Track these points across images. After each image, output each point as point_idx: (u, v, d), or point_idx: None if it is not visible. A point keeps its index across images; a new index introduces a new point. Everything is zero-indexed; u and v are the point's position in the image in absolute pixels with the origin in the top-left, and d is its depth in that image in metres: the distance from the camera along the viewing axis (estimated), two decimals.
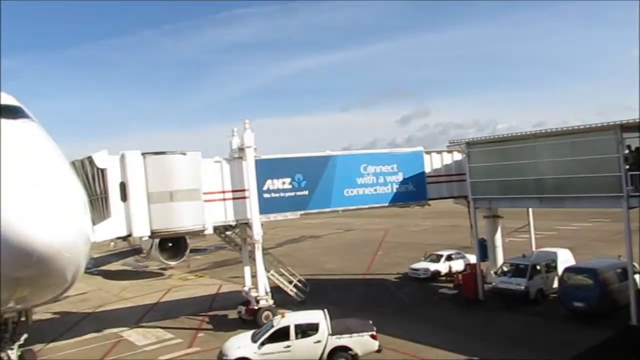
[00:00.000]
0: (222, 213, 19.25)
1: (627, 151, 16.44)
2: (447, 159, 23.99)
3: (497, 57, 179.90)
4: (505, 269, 20.96)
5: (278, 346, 14.27)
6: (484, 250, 22.85)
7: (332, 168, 21.50)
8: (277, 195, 20.41)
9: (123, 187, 16.85)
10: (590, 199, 17.48)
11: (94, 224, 14.68)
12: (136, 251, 33.44)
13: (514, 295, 19.59)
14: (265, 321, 17.64)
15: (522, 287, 19.38)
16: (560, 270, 19.71)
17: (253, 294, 20.08)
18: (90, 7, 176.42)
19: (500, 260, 23.05)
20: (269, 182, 20.28)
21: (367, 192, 22.07)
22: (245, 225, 20.40)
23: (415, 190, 22.95)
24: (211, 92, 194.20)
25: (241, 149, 19.89)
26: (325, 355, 14.31)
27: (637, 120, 15.19)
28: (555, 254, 21.37)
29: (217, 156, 19.76)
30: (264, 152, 20.61)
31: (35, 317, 15.83)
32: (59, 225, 9.78)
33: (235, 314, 20.61)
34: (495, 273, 21.45)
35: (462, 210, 23.74)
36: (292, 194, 20.73)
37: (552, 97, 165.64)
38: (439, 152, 24.16)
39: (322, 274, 28.77)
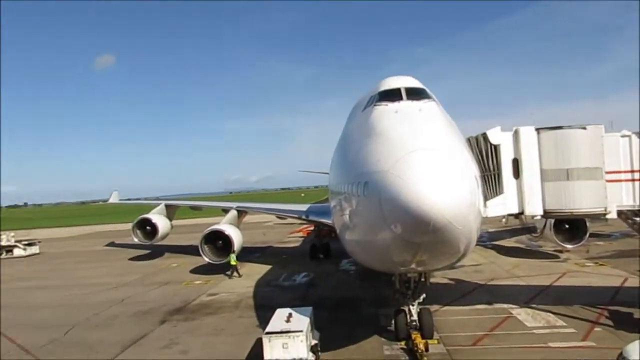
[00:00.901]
0: (629, 196, 16.60)
1: None
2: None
3: None
4: None
5: None
6: None
7: None
8: None
9: (516, 163, 16.62)
10: None
11: (485, 199, 15.13)
12: (529, 230, 32.77)
13: None
14: None
15: None
16: None
17: None
18: None
19: None
20: None
21: None
22: None
23: None
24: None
25: None
26: None
27: None
28: None
29: (626, 130, 17.02)
30: None
31: (433, 280, 17.60)
32: (453, 198, 10.46)
33: None
34: None
35: None
36: None
37: None
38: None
39: None
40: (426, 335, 15.74)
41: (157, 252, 44.47)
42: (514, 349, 15.59)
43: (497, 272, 28.13)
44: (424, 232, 10.42)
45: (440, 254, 12.03)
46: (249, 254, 38.23)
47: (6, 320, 23.52)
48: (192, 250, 38.74)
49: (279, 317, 15.17)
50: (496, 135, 16.73)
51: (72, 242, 66.64)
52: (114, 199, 54.46)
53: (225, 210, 37.81)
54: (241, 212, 37.78)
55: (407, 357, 15.26)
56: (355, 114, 17.55)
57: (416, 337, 15.45)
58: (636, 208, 17.04)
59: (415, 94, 15.06)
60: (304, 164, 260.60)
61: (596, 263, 29.20)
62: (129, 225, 42.67)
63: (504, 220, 29.15)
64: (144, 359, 16.90)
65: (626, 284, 23.40)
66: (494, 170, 16.57)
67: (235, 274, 30.94)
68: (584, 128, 16.40)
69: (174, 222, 44.22)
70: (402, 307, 16.15)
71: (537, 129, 16.68)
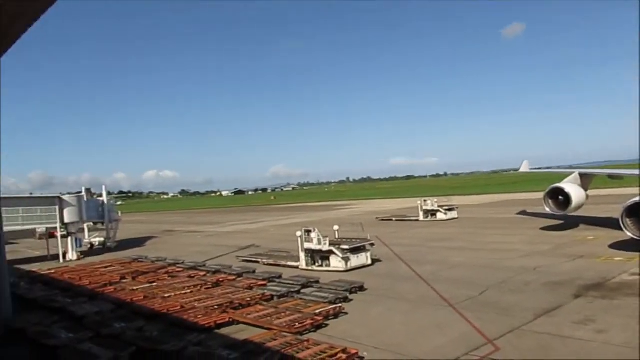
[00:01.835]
0: None
1: None
2: None
3: None
4: None
5: None
6: None
7: None
8: None
9: None
10: None
11: None
12: None
13: None
14: None
15: None
16: None
17: None
18: None
19: None
20: None
21: None
22: None
23: None
24: None
25: None
26: None
27: None
28: None
29: None
30: None
31: None
32: None
33: None
34: None
35: None
36: None
37: None
38: None
39: None
40: None
41: (570, 222, 42.23)
42: None
43: None
44: None
45: None
46: None
47: (434, 274, 27.02)
48: (611, 224, 34.95)
49: None
50: None
51: (485, 209, 70.56)
52: (524, 168, 54.60)
53: None
54: None
55: None
56: None
57: None
58: None
59: None
60: None
61: None
62: (540, 195, 41.98)
63: None
64: (558, 331, 16.34)
65: None
66: None
67: None
68: None
69: (590, 192, 40.87)
70: None
71: None
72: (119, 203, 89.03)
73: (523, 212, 58.11)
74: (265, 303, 22.20)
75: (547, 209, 39.62)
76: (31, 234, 60.95)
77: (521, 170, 55.09)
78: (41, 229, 50.90)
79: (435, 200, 62.59)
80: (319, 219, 66.92)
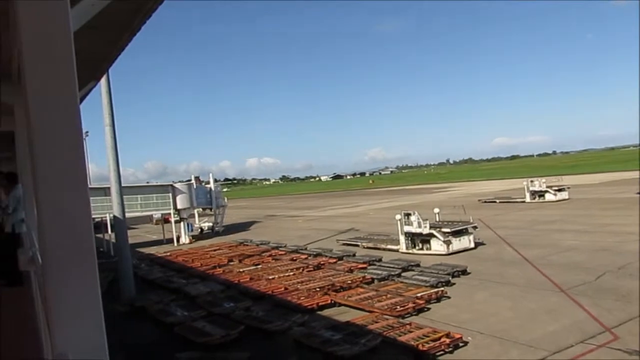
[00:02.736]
0: None
1: None
2: None
3: None
4: None
5: None
6: None
7: None
8: None
9: None
10: None
11: None
12: None
13: None
14: None
15: None
16: None
17: None
18: None
19: None
20: None
21: None
22: None
23: None
24: None
25: None
26: None
27: None
28: None
29: None
30: None
31: None
32: None
33: None
34: None
35: None
36: None
37: None
38: None
39: None
40: None
41: None
42: None
43: None
44: None
45: None
46: None
47: (543, 258, 25.55)
48: None
49: None
50: None
51: (600, 189, 65.18)
52: None
53: None
54: None
55: None
56: None
57: None
58: None
59: None
60: None
61: None
62: None
63: None
64: None
65: None
66: None
67: None
68: None
69: None
70: None
71: None
72: (224, 189, 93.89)
73: None
74: (365, 286, 22.36)
75: None
76: (148, 219, 66.46)
77: None
78: (157, 215, 55.29)
79: (544, 180, 58.92)
80: (418, 202, 65.83)
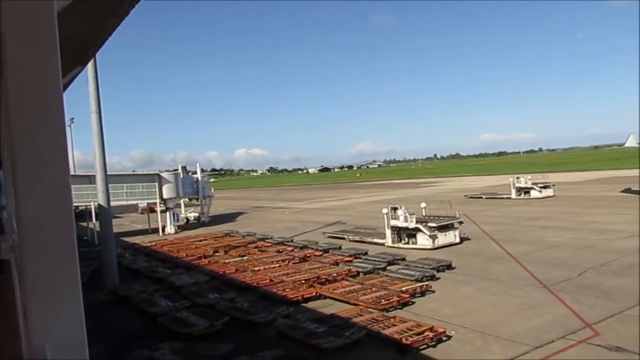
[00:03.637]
0: None
1: None
2: None
3: None
4: None
5: None
6: None
7: None
8: None
9: None
10: None
11: None
12: None
13: None
14: None
15: None
16: None
17: None
18: None
19: None
20: None
21: None
22: None
23: None
24: None
25: None
26: None
27: None
28: None
29: None
30: None
31: None
32: None
33: None
34: None
35: None
36: None
37: None
38: None
39: None
40: None
41: None
42: None
43: None
44: None
45: None
46: None
47: (527, 254, 25.82)
48: None
49: None
50: None
51: (584, 187, 66.00)
52: (630, 142, 50.13)
53: None
54: None
55: None
56: None
57: None
58: None
59: None
60: None
61: None
62: None
63: None
64: None
65: None
66: None
67: None
68: None
69: None
70: None
71: None
72: (211, 180, 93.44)
73: (628, 190, 53.58)
74: (351, 279, 22.42)
75: None
76: (134, 208, 65.92)
77: (627, 145, 50.63)
78: (142, 204, 54.90)
79: (529, 177, 59.48)
80: (405, 196, 66.09)
